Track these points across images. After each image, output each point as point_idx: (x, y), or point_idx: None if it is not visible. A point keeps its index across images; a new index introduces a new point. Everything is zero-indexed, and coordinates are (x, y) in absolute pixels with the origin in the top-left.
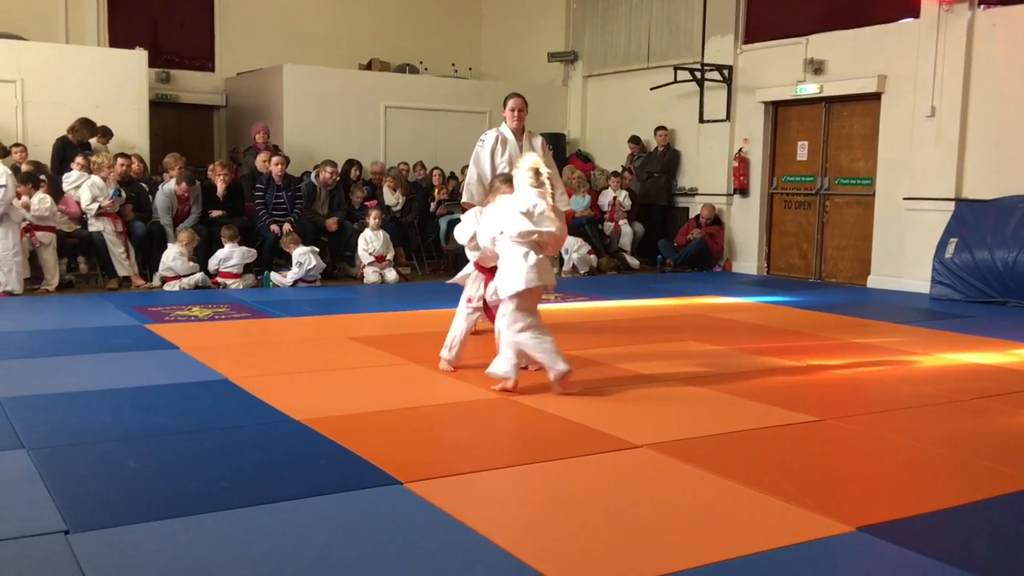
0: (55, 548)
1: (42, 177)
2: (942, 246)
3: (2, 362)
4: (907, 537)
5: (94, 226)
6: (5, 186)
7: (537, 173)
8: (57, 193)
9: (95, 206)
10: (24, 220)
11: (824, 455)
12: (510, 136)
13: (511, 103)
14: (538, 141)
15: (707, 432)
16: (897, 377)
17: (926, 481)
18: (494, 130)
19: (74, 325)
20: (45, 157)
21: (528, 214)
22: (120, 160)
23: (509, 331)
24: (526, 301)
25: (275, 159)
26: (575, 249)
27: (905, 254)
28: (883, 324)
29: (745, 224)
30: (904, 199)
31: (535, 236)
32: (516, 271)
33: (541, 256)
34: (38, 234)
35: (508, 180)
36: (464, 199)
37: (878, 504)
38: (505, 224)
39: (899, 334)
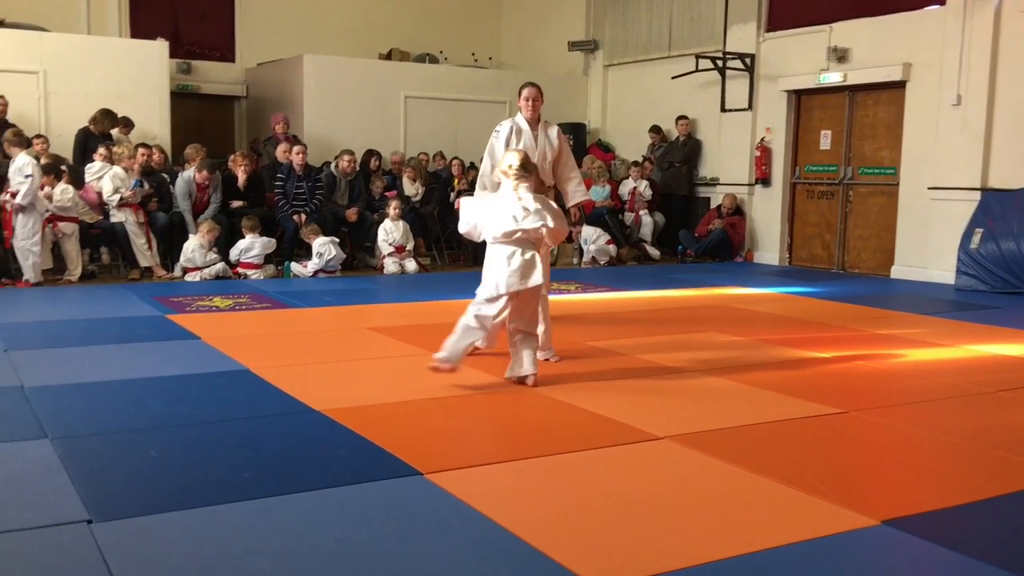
0: (78, 537)
1: (63, 168)
2: (967, 236)
3: (26, 352)
4: (932, 531)
5: (116, 217)
6: (31, 176)
7: (512, 168)
8: (78, 184)
9: (116, 197)
10: (47, 211)
11: (848, 447)
12: (525, 126)
13: (525, 92)
14: (554, 131)
15: (729, 424)
16: (921, 369)
17: (951, 474)
18: (509, 120)
19: (96, 315)
20: (67, 148)
21: (512, 211)
22: (141, 150)
23: (470, 309)
24: (514, 302)
25: (296, 149)
26: (594, 240)
27: (929, 244)
28: (907, 315)
29: (767, 214)
30: (929, 188)
31: (519, 234)
32: (497, 274)
33: (528, 256)
34: (61, 225)
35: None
36: (478, 191)
37: (903, 497)
38: (491, 224)
39: (923, 325)
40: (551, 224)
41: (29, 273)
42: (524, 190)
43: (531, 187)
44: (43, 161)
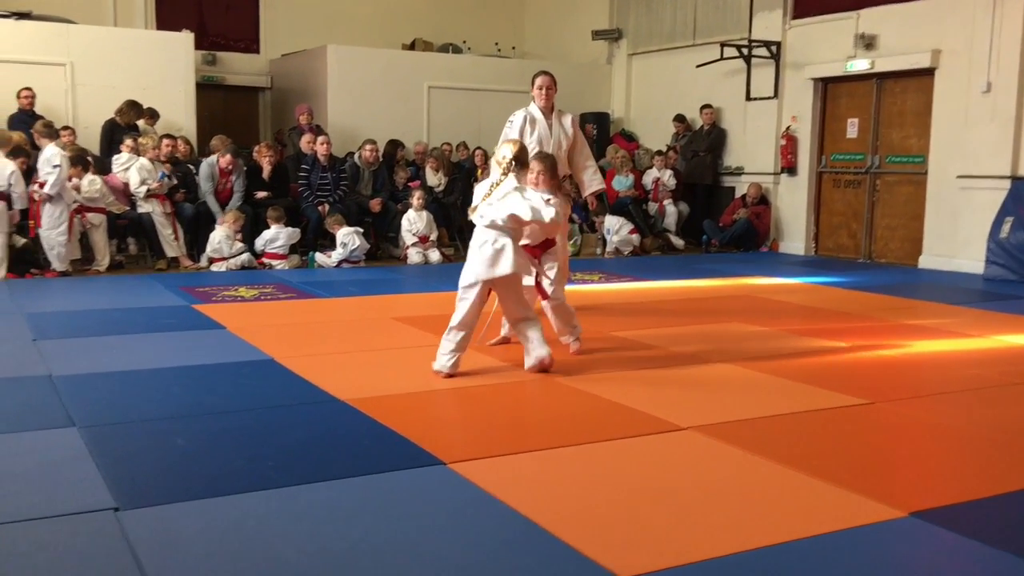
0: (105, 525)
1: (89, 159)
2: (997, 225)
3: (54, 341)
4: (961, 523)
5: (143, 208)
6: (59, 166)
7: (504, 159)
8: (103, 174)
9: (143, 189)
10: (75, 202)
11: (875, 439)
12: (539, 115)
13: (539, 81)
14: (568, 119)
15: (754, 414)
16: (950, 359)
17: (980, 466)
18: (522, 110)
19: (124, 305)
20: (94, 139)
21: (488, 200)
22: (165, 141)
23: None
24: (498, 294)
25: (320, 139)
26: (617, 229)
27: (958, 234)
28: (935, 305)
29: (793, 203)
30: (958, 177)
31: (488, 221)
32: (470, 262)
33: (499, 245)
34: (89, 215)
35: (541, 158)
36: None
37: (931, 489)
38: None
39: (952, 315)
40: (526, 217)
41: (56, 263)
42: (512, 180)
43: (525, 181)
44: (68, 153)
